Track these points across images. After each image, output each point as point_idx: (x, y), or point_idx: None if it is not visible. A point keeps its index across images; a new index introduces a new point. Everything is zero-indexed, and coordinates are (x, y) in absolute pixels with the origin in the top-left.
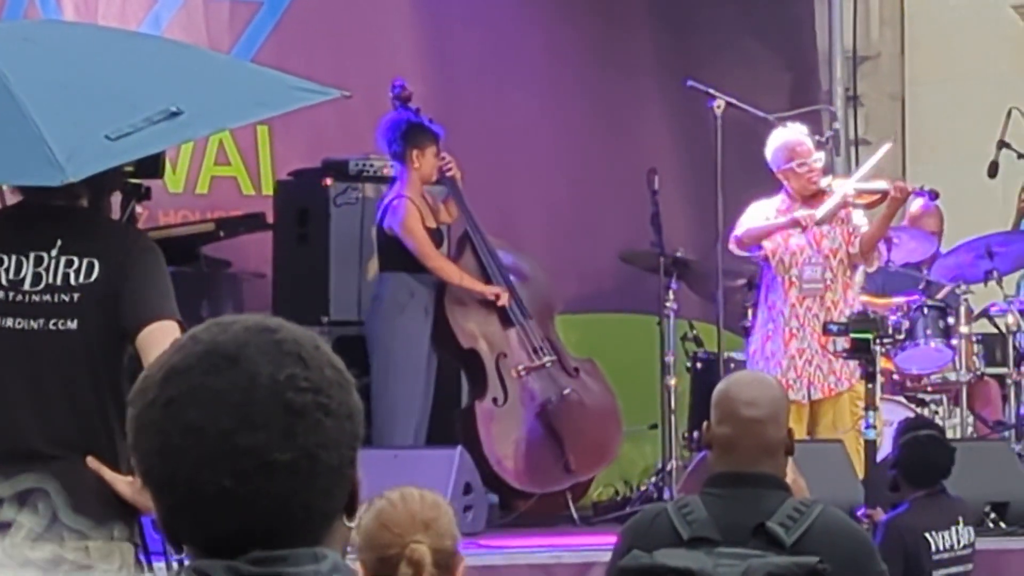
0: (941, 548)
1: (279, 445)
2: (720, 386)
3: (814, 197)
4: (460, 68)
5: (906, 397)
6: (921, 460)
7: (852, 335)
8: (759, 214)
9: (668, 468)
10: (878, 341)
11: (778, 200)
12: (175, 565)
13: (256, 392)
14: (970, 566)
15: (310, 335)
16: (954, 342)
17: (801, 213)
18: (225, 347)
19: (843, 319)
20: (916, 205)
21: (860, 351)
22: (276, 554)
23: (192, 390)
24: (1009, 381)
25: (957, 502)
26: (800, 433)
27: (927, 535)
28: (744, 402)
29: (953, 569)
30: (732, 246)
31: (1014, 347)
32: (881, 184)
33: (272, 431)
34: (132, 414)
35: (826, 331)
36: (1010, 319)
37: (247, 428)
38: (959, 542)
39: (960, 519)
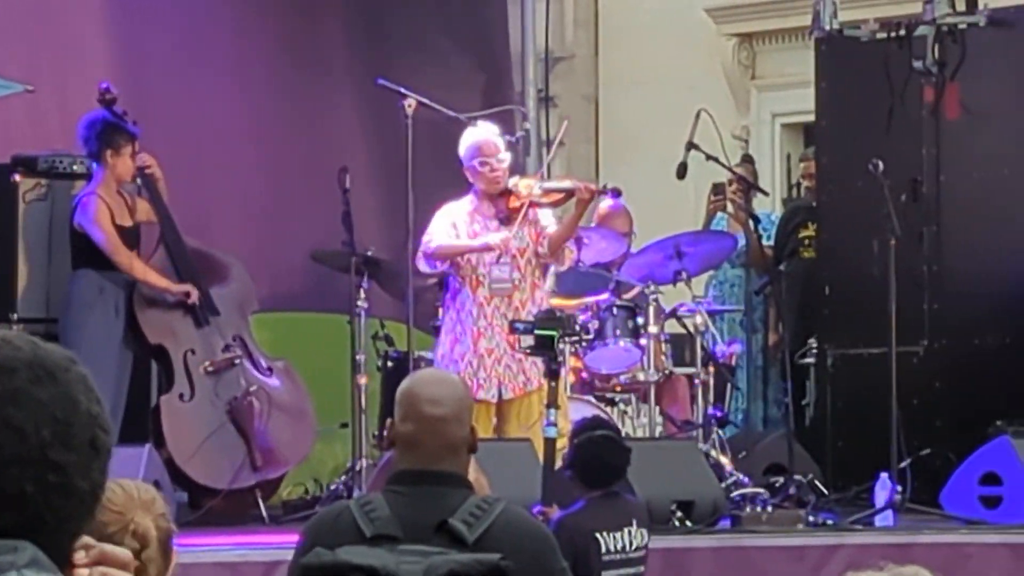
0: (612, 549)
1: (81, 473)
2: (404, 384)
3: (501, 196)
4: (152, 65)
5: (595, 397)
6: (595, 461)
7: (536, 332)
8: (446, 221)
9: (358, 467)
10: (563, 339)
11: (466, 201)
12: None
13: (77, 417)
14: (642, 568)
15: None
16: (643, 342)
17: (494, 239)
18: (47, 364)
19: (530, 318)
20: (604, 205)
21: (544, 348)
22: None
23: (16, 392)
24: (697, 381)
25: (631, 504)
26: (487, 432)
27: (597, 535)
28: (427, 400)
29: (623, 571)
30: (421, 263)
31: (702, 347)
32: (566, 184)
33: (80, 457)
34: None
35: (512, 330)
36: (698, 319)
37: (63, 446)
38: (631, 544)
39: (633, 521)
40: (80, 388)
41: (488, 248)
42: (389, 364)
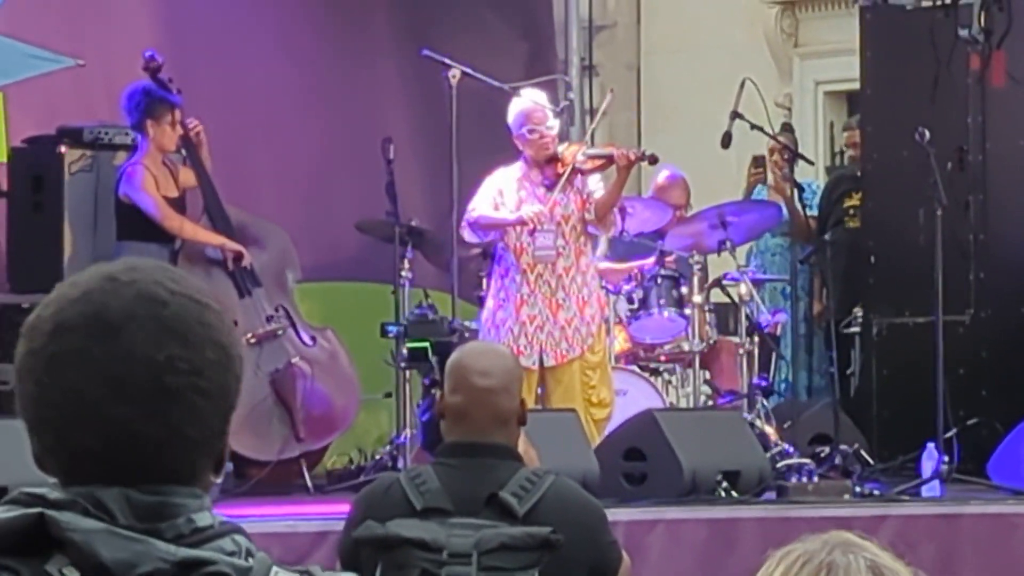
0: None
1: (148, 421)
2: (454, 356)
3: (548, 163)
4: (197, 34)
5: (639, 366)
6: None
7: (408, 346)
8: (492, 189)
9: (402, 437)
10: (438, 350)
11: (516, 167)
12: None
13: (134, 367)
14: None
15: (198, 310)
16: (687, 311)
17: (529, 212)
18: (112, 315)
19: (403, 320)
20: (662, 176)
21: (417, 360)
22: (161, 488)
23: (76, 351)
24: (741, 351)
25: None
26: (530, 399)
27: None
28: (477, 371)
29: None
30: (466, 232)
31: (746, 316)
32: (607, 150)
33: (144, 407)
34: (18, 353)
35: (383, 333)
36: (742, 289)
37: (119, 400)
38: None
39: None
40: (146, 335)
41: (522, 223)
42: None
